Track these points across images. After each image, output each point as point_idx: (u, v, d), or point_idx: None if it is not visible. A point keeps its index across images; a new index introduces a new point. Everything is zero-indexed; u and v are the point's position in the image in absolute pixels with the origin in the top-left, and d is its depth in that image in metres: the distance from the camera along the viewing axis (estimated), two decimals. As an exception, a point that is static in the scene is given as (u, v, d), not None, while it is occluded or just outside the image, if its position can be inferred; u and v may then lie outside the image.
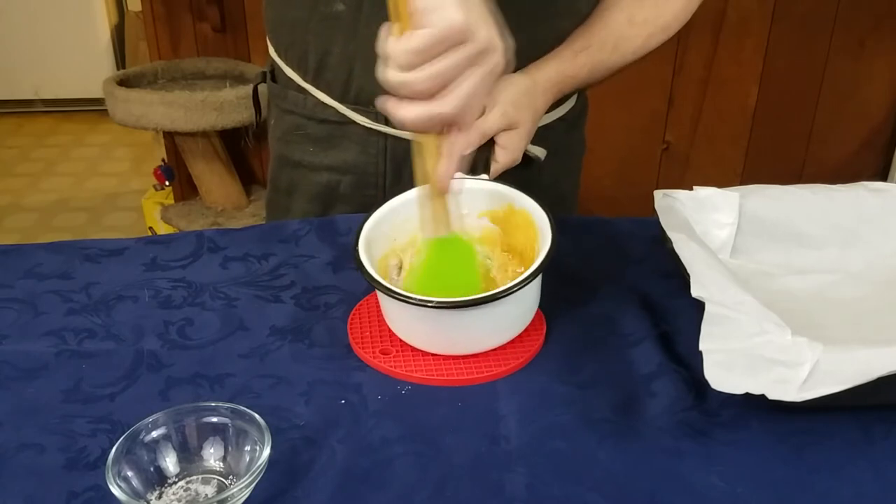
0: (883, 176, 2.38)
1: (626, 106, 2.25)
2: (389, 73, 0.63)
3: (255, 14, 2.33)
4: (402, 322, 0.75)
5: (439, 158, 0.68)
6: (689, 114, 2.32)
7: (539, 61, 0.89)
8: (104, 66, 3.56)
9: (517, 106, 0.84)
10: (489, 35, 0.63)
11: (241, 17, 2.36)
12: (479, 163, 0.87)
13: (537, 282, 0.74)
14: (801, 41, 2.23)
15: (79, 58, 3.58)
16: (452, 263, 0.74)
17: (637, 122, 2.33)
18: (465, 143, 0.69)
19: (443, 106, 0.63)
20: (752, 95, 2.30)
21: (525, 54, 0.88)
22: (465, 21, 0.60)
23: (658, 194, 0.84)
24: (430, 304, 0.69)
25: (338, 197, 1.01)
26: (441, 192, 0.70)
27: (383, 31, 0.64)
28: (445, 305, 0.70)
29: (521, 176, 0.86)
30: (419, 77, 0.62)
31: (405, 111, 0.64)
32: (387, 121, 0.95)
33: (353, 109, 0.95)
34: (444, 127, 0.67)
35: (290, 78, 0.99)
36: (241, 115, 2.19)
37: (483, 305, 0.69)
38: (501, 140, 0.85)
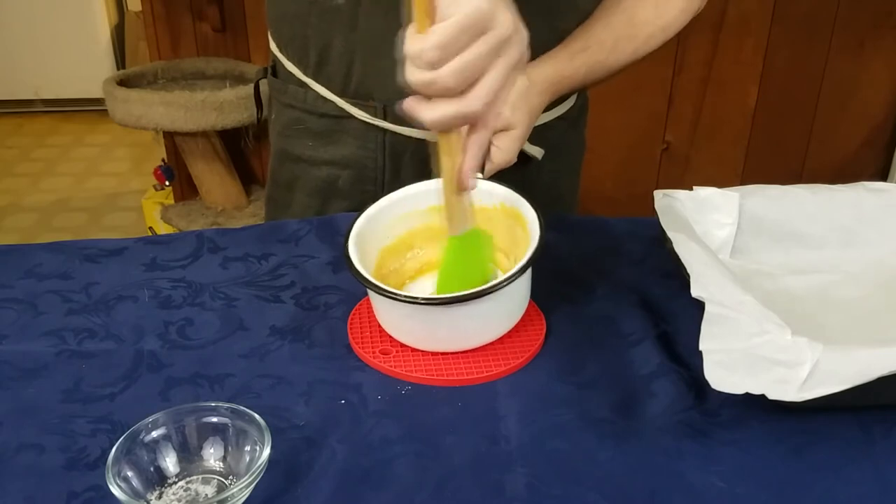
0: (883, 176, 2.37)
1: (626, 106, 2.25)
2: (414, 74, 0.60)
3: (255, 14, 2.33)
4: (394, 320, 0.75)
5: (462, 155, 0.65)
6: (689, 114, 2.32)
7: (536, 61, 0.89)
8: (104, 66, 3.56)
9: (513, 107, 0.84)
10: (511, 20, 0.60)
11: (241, 17, 2.36)
12: None
13: (527, 278, 0.74)
14: (801, 41, 2.23)
15: (79, 58, 3.58)
16: (474, 259, 0.73)
17: (637, 122, 2.33)
18: (487, 138, 0.65)
19: (472, 103, 0.60)
20: (752, 95, 2.30)
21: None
22: (490, 6, 0.58)
23: (658, 194, 0.84)
24: (419, 301, 0.70)
25: (337, 192, 1.02)
26: (462, 189, 0.67)
27: (403, 33, 0.61)
28: (434, 302, 0.70)
29: (519, 175, 0.86)
30: (446, 72, 0.58)
31: (433, 112, 0.61)
32: (385, 115, 0.95)
33: (353, 104, 0.95)
34: (468, 124, 0.64)
35: (290, 72, 0.99)
36: (241, 115, 2.20)
37: (472, 301, 0.69)
38: (496, 140, 0.85)
